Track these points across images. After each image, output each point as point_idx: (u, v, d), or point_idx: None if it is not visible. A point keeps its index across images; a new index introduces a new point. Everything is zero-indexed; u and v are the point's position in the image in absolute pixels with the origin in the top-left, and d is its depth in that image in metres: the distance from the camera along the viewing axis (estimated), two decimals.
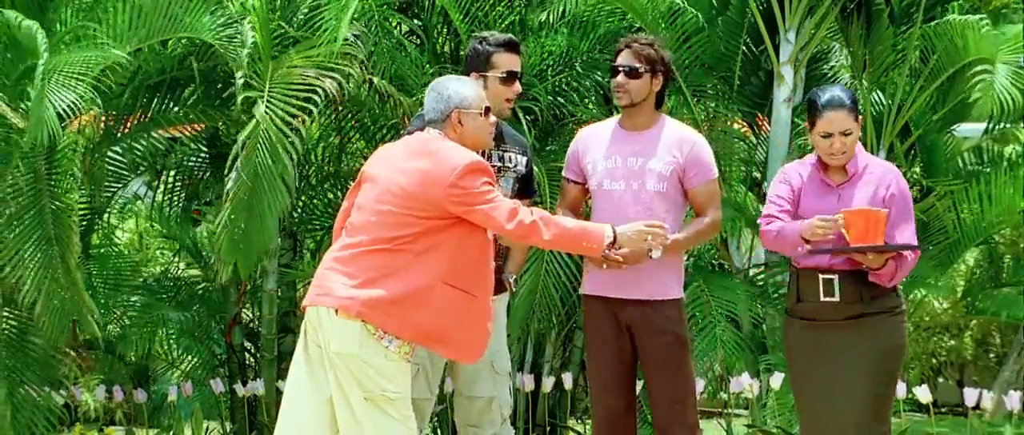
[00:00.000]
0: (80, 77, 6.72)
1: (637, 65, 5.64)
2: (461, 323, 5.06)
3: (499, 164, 5.74)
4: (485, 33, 5.87)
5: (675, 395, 5.68)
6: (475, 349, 5.12)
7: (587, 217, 5.82)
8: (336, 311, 4.99)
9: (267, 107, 7.06)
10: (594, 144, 5.79)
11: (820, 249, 5.24)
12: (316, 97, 7.08)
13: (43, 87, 6.57)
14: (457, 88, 5.15)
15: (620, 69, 5.67)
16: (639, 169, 5.64)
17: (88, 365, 7.64)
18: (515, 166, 5.79)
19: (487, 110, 5.19)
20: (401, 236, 4.98)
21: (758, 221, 5.55)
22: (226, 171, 7.12)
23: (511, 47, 5.70)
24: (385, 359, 4.99)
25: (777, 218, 5.41)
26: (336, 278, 5.03)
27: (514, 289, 5.95)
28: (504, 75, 5.67)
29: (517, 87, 5.69)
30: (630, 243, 5.15)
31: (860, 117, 5.36)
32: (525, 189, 5.84)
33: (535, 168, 6.00)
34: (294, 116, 7.06)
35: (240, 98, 7.15)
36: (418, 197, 4.99)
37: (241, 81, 7.13)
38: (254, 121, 7.04)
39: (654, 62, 5.66)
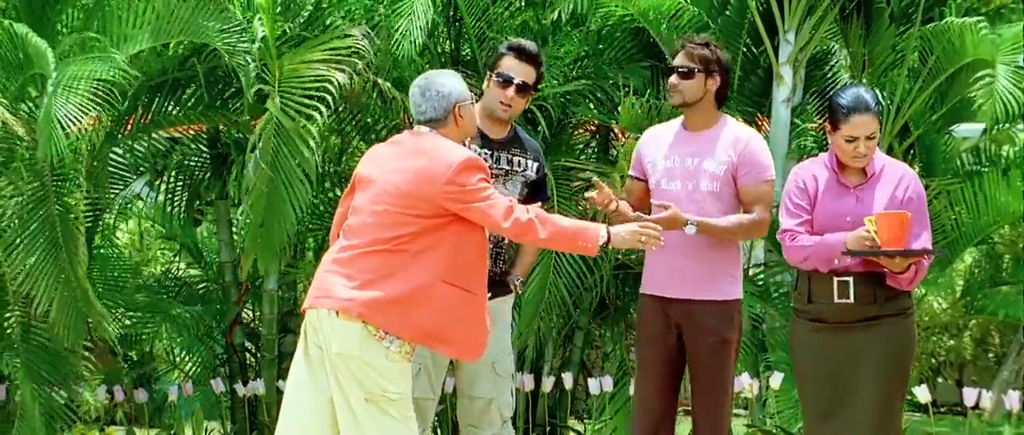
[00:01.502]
0: (87, 93, 6.75)
1: (690, 65, 5.68)
2: (461, 321, 5.08)
3: (507, 167, 5.77)
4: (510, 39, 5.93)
5: (711, 397, 5.72)
6: (476, 347, 5.15)
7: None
8: (337, 313, 5.00)
9: (281, 100, 7.09)
10: (656, 144, 5.83)
11: (853, 253, 5.24)
12: (330, 87, 7.12)
13: (50, 104, 6.60)
14: (453, 84, 5.19)
15: (675, 70, 5.71)
16: (694, 169, 5.68)
17: (91, 364, 7.66)
18: (524, 170, 5.81)
19: (473, 100, 5.26)
20: (399, 236, 5.00)
21: (778, 236, 5.53)
22: (245, 163, 7.16)
23: (520, 53, 5.73)
24: (386, 359, 5.00)
25: (800, 233, 5.40)
26: (336, 280, 5.05)
27: (520, 292, 5.96)
28: (501, 78, 5.71)
29: (510, 92, 5.70)
30: (623, 243, 5.17)
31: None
32: (536, 193, 5.88)
33: (548, 172, 6.02)
34: (310, 107, 7.09)
35: (253, 90, 7.18)
36: (414, 196, 5.01)
37: (254, 73, 7.16)
38: (268, 113, 7.09)
39: (708, 62, 5.68)
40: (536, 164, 5.86)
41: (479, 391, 5.84)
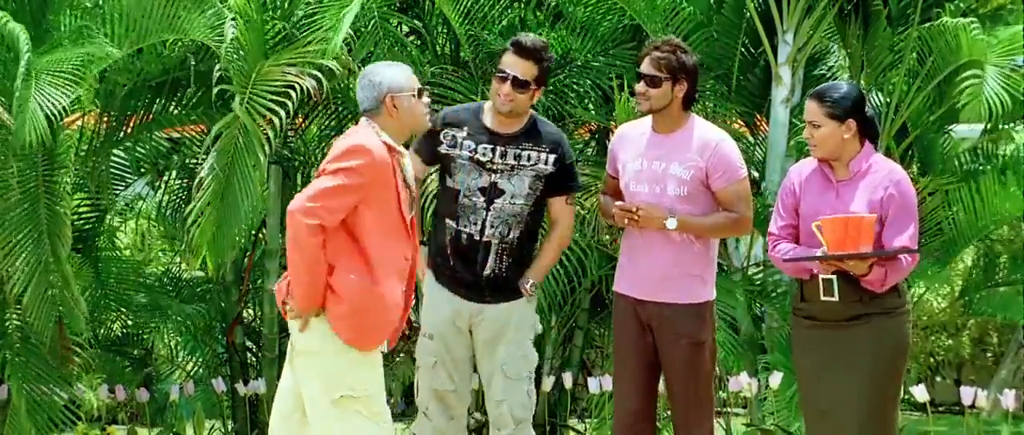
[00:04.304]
0: (66, 75, 6.78)
1: (657, 74, 5.65)
2: (361, 309, 5.02)
3: (513, 163, 5.75)
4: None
5: (689, 399, 5.73)
6: (370, 336, 5.08)
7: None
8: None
9: (248, 103, 7.09)
10: (627, 144, 5.82)
11: (799, 257, 5.29)
12: (292, 93, 7.08)
13: (27, 88, 6.63)
14: (388, 73, 5.18)
15: (642, 77, 5.68)
16: (661, 173, 5.67)
17: (82, 364, 7.70)
18: (534, 163, 5.77)
19: (420, 92, 5.20)
20: (330, 229, 5.01)
21: (767, 237, 5.59)
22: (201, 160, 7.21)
23: (517, 49, 5.72)
24: (347, 355, 5.01)
25: (781, 239, 5.44)
26: None
27: (532, 294, 5.89)
28: (499, 73, 5.73)
29: (507, 88, 5.69)
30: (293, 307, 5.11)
31: (841, 116, 5.29)
32: (558, 185, 5.82)
33: (572, 164, 5.92)
34: (274, 113, 7.09)
35: (215, 91, 7.21)
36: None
37: (218, 74, 7.17)
38: (231, 115, 7.11)
39: (674, 70, 5.64)
40: (553, 156, 5.79)
41: (492, 392, 5.87)
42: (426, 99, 5.26)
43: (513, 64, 5.71)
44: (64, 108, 6.78)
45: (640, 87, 5.69)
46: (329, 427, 5.03)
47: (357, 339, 5.02)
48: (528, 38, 5.77)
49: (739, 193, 5.68)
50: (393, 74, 5.17)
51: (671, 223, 5.54)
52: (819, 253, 5.24)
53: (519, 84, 5.69)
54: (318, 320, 5.02)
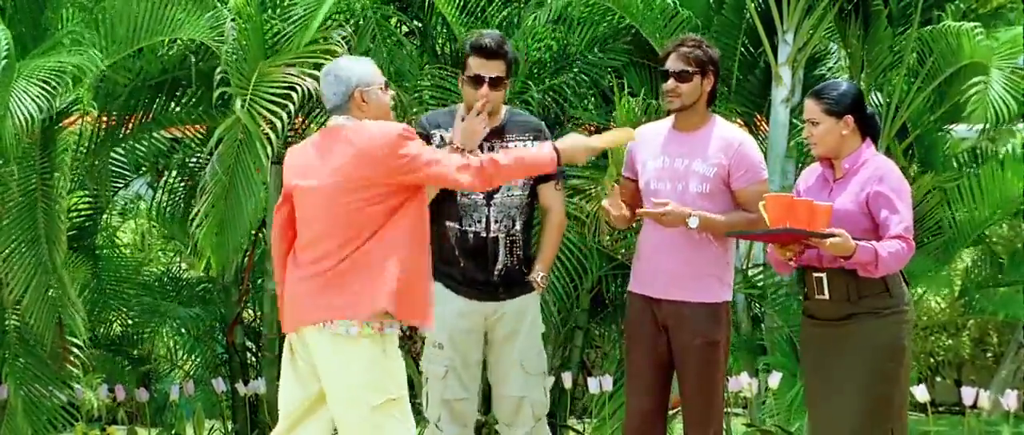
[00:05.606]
0: (44, 83, 6.80)
1: (687, 68, 5.65)
2: (416, 287, 5.04)
3: None
4: (474, 33, 5.90)
5: (699, 399, 5.73)
6: (427, 313, 5.13)
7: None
8: (322, 326, 5.02)
9: (249, 104, 7.10)
10: (644, 144, 5.82)
11: (733, 233, 5.50)
12: (293, 95, 7.09)
13: (5, 89, 6.66)
14: (354, 67, 5.14)
15: (670, 73, 5.67)
16: (684, 170, 5.67)
17: (80, 364, 7.71)
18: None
19: (386, 85, 5.18)
20: (362, 229, 4.97)
21: None
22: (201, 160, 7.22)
23: (481, 51, 5.72)
24: (385, 362, 5.00)
25: None
26: (310, 296, 5.04)
27: (544, 287, 5.91)
28: (470, 78, 5.74)
29: (484, 90, 5.70)
30: (573, 157, 5.27)
31: (839, 112, 5.31)
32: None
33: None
34: (276, 114, 7.09)
35: (216, 93, 7.21)
36: (362, 182, 4.96)
37: (219, 77, 7.18)
38: (233, 117, 7.12)
39: (703, 63, 5.66)
40: (537, 144, 5.77)
41: (509, 389, 5.87)
42: (392, 91, 5.26)
43: (482, 66, 5.72)
44: (50, 112, 6.80)
45: (670, 84, 5.67)
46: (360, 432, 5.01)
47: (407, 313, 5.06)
48: (487, 39, 5.76)
49: (760, 194, 5.66)
50: (361, 68, 5.14)
51: (693, 221, 5.55)
52: (759, 230, 5.33)
53: (495, 84, 5.73)
54: (360, 334, 4.99)
